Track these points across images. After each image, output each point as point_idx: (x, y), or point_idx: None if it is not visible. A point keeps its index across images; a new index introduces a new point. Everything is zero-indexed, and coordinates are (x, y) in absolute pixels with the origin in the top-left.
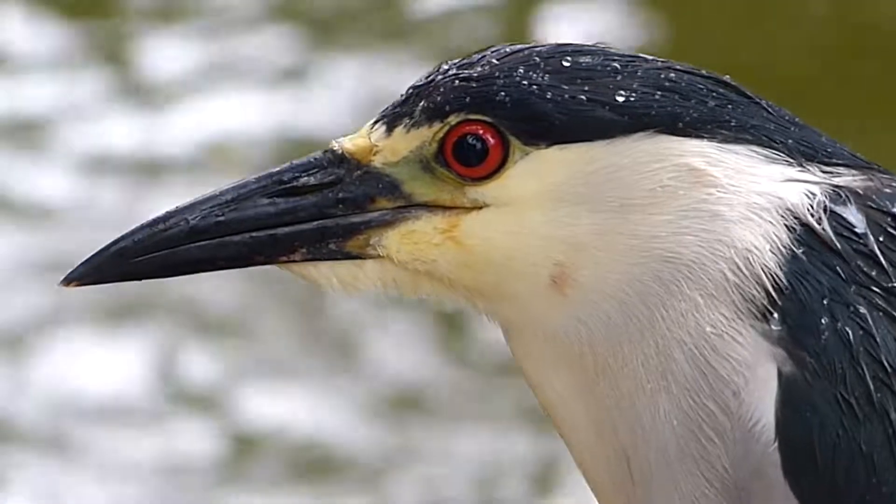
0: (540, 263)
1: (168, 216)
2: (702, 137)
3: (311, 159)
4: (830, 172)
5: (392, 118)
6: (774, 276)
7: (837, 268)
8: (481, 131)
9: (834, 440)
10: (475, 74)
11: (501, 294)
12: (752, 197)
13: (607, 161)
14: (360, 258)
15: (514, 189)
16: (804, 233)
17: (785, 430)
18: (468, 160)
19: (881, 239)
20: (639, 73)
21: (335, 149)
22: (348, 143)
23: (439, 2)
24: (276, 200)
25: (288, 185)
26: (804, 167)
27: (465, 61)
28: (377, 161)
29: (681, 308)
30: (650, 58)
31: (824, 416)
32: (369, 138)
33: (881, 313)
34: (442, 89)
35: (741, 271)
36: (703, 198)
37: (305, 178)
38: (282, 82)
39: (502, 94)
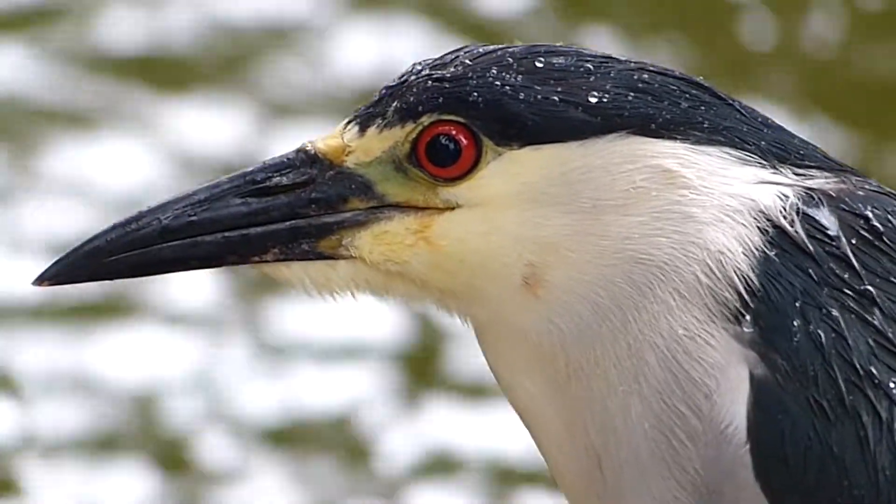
0: (512, 264)
1: (140, 216)
2: (675, 139)
3: (284, 159)
4: (803, 175)
5: (365, 118)
6: (746, 278)
7: (810, 270)
8: (454, 132)
9: (805, 442)
10: (448, 75)
11: (474, 295)
12: (724, 199)
13: (580, 162)
14: (333, 259)
15: (487, 189)
16: (777, 235)
17: (756, 432)
18: (441, 160)
19: (853, 241)
20: (612, 75)
21: (308, 149)
22: (321, 144)
23: None
24: (249, 200)
25: (261, 185)
26: (777, 169)
27: (438, 61)
28: (350, 161)
29: (653, 310)
30: (623, 59)
31: (796, 419)
32: (342, 138)
33: (853, 315)
34: (415, 90)
35: (713, 273)
36: (676, 199)
37: (278, 178)
38: None
39: (475, 94)
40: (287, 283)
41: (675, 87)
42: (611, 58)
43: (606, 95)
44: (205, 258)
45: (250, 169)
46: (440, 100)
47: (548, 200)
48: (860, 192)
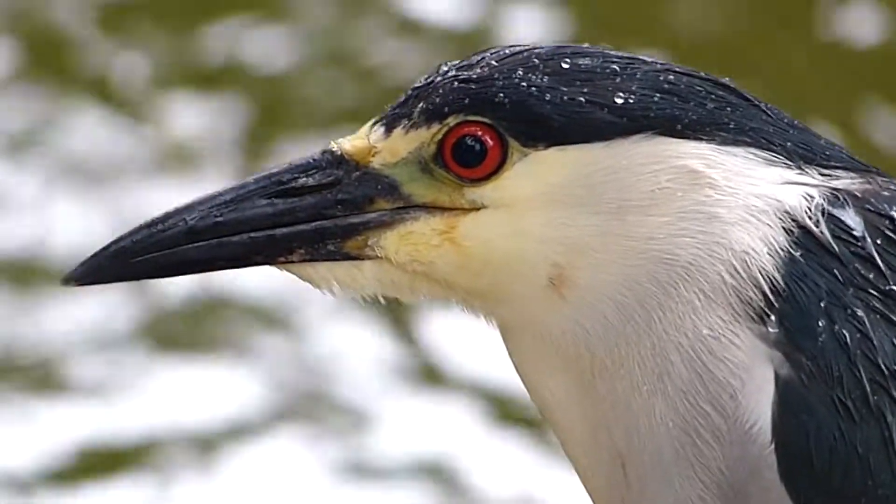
0: (537, 265)
1: (167, 216)
2: (700, 139)
3: (310, 160)
4: (829, 175)
5: (391, 119)
6: (772, 278)
7: (835, 270)
8: (480, 133)
9: (830, 442)
10: (474, 76)
11: (499, 296)
12: (750, 199)
13: (606, 163)
14: (359, 259)
15: (513, 190)
16: (802, 235)
17: (781, 432)
18: (467, 161)
19: (879, 242)
20: (638, 75)
21: (334, 149)
22: (347, 144)
23: None
24: (275, 201)
25: (287, 186)
26: (803, 170)
27: (464, 63)
28: (376, 162)
29: (678, 310)
30: (649, 59)
31: (821, 419)
32: (368, 139)
33: (878, 316)
34: (441, 91)
35: (738, 274)
36: (702, 200)
37: (304, 178)
38: None
39: (501, 95)
40: (313, 283)
41: (700, 88)
42: (636, 58)
43: (632, 96)
44: (231, 259)
45: (276, 170)
46: (466, 101)
47: (573, 201)
48: (885, 193)
